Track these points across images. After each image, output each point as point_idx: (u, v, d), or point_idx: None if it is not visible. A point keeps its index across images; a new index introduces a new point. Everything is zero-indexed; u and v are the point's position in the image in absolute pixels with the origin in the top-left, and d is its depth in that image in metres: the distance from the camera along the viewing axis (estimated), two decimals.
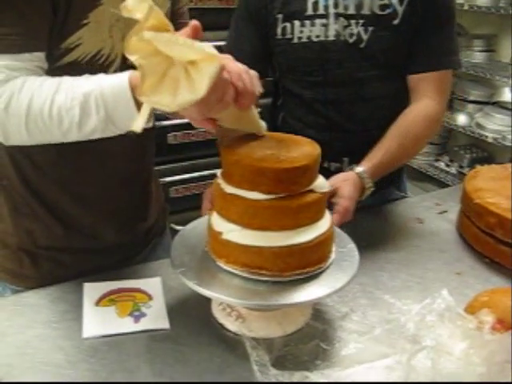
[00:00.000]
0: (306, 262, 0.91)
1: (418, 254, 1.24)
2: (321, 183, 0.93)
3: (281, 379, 0.83)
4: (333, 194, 1.14)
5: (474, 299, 0.96)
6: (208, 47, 0.72)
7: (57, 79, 0.89)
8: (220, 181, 0.92)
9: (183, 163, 2.55)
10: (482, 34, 3.74)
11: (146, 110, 0.79)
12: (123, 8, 0.75)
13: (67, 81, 0.88)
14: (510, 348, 0.77)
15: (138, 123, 0.79)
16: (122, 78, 0.85)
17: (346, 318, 1.00)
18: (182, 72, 0.73)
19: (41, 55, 0.95)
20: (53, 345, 0.93)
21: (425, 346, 0.87)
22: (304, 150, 0.91)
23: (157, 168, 2.39)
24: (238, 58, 1.40)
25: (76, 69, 0.97)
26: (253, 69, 1.43)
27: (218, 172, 0.94)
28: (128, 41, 0.73)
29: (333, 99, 1.37)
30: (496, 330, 0.85)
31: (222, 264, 0.92)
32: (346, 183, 1.17)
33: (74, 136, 0.90)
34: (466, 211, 1.31)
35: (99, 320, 0.99)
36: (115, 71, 1.04)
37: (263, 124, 0.94)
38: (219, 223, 0.92)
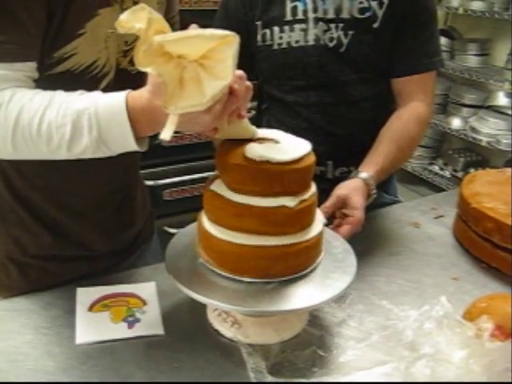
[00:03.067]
0: (312, 259, 0.93)
1: (414, 258, 1.23)
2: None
3: None
4: (342, 204, 1.14)
5: (473, 305, 0.94)
6: (216, 31, 0.71)
7: (49, 93, 0.85)
8: (230, 195, 0.89)
9: (176, 166, 2.53)
10: (477, 38, 3.75)
11: (174, 119, 0.76)
12: (118, 25, 0.73)
13: (60, 95, 0.85)
14: (511, 357, 0.76)
15: (167, 133, 0.75)
16: (118, 98, 0.82)
17: (343, 325, 0.98)
18: (198, 68, 0.72)
19: (33, 65, 0.91)
20: (44, 351, 0.91)
21: (423, 354, 0.86)
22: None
23: (149, 171, 2.40)
24: None
25: (68, 79, 0.95)
26: None
27: (216, 188, 0.91)
28: (137, 54, 0.71)
29: (315, 103, 1.37)
30: (495, 336, 0.84)
31: (225, 273, 0.90)
32: (356, 193, 1.16)
33: (62, 155, 0.86)
34: (462, 216, 1.30)
35: (92, 326, 0.97)
36: (108, 84, 1.02)
37: (254, 129, 0.93)
38: (221, 231, 0.90)
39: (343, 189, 1.17)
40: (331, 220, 1.15)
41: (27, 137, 0.83)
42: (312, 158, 0.91)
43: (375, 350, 0.90)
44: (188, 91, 0.73)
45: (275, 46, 1.34)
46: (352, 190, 1.17)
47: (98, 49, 0.99)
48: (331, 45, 1.32)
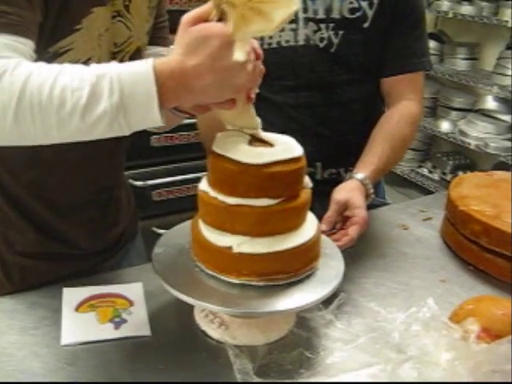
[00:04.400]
0: (311, 258, 0.93)
1: (402, 260, 1.23)
2: (306, 179, 0.94)
3: None
4: (344, 207, 1.13)
5: (459, 307, 0.95)
6: None
7: (58, 65, 0.77)
8: (215, 194, 0.88)
9: (166, 166, 2.52)
10: (466, 42, 3.77)
11: (243, 45, 0.78)
12: None
13: (73, 66, 0.77)
14: (497, 359, 0.77)
15: (239, 54, 0.76)
16: (144, 63, 0.75)
17: (331, 326, 0.98)
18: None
19: (33, 45, 0.84)
20: (29, 352, 0.90)
21: (410, 356, 0.86)
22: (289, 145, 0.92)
23: (138, 171, 2.40)
24: None
25: None
26: None
27: (204, 185, 0.91)
28: None
29: (305, 103, 1.37)
30: (481, 338, 0.84)
31: (233, 279, 0.89)
32: (355, 193, 1.15)
33: (72, 126, 0.74)
34: (450, 218, 1.31)
35: (79, 326, 0.96)
36: None
37: (259, 120, 0.92)
38: (223, 238, 0.88)
39: (341, 192, 1.16)
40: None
41: (35, 103, 0.73)
42: (298, 164, 0.90)
43: (362, 351, 0.90)
44: (254, 19, 0.75)
45: (265, 46, 1.34)
46: (351, 191, 1.16)
47: (92, 46, 0.98)
48: (322, 45, 1.32)
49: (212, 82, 0.75)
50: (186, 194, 2.53)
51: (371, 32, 1.32)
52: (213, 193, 0.89)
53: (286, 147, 0.90)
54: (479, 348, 0.80)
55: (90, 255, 1.19)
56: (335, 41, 1.31)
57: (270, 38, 1.33)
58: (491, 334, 0.85)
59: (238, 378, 0.84)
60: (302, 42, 1.33)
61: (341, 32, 1.31)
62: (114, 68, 0.75)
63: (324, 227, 1.09)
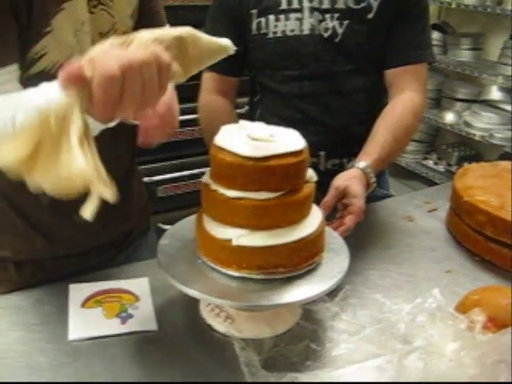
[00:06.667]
0: (313, 252, 0.92)
1: (407, 252, 1.23)
2: (310, 173, 0.94)
3: (271, 380, 0.81)
4: (342, 194, 1.13)
5: (465, 298, 0.95)
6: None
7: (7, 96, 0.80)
8: (215, 187, 0.89)
9: (171, 162, 2.52)
10: (470, 32, 3.75)
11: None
12: None
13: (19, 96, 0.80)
14: (502, 349, 0.76)
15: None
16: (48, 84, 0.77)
17: (336, 318, 0.98)
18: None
19: (13, 68, 0.88)
20: (36, 348, 0.91)
21: (416, 347, 0.86)
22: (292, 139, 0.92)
23: (144, 167, 2.39)
24: None
25: (45, 79, 0.93)
26: (228, 68, 1.43)
27: (206, 178, 0.91)
28: None
29: (309, 93, 1.37)
30: (487, 328, 0.84)
31: (233, 272, 0.89)
32: (354, 182, 1.15)
33: None
34: (455, 209, 1.30)
35: (85, 322, 0.97)
36: None
37: (226, 41, 0.81)
38: (223, 231, 0.89)
39: (341, 179, 1.16)
40: (334, 213, 1.14)
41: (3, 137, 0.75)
42: (298, 158, 0.89)
43: (368, 343, 0.90)
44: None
45: (270, 35, 1.34)
46: (350, 179, 1.16)
47: (70, 44, 0.96)
48: (326, 35, 1.32)
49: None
50: (191, 189, 2.53)
51: (376, 23, 1.32)
52: (214, 185, 0.89)
53: (287, 141, 0.89)
54: (485, 338, 0.79)
55: (98, 251, 1.18)
56: (340, 31, 1.31)
57: (275, 26, 1.33)
58: (497, 323, 0.85)
59: (245, 370, 0.84)
60: (306, 32, 1.33)
61: (345, 22, 1.31)
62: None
63: None
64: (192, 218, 0.99)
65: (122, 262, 1.20)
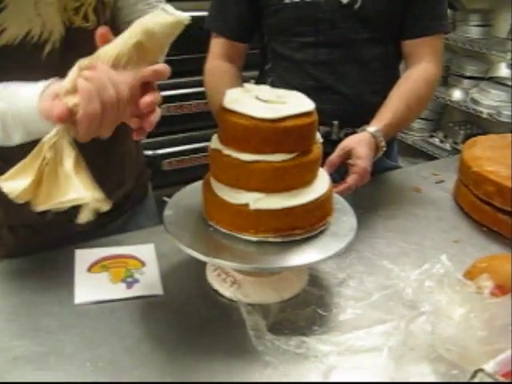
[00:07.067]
0: (326, 213, 0.93)
1: (415, 222, 1.23)
2: (317, 134, 0.94)
3: (277, 343, 0.81)
4: (348, 155, 1.15)
5: (473, 265, 0.94)
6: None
7: None
8: (228, 151, 0.88)
9: (176, 136, 2.51)
10: (479, 8, 3.70)
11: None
12: None
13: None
14: (511, 311, 0.76)
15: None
16: (33, 95, 0.79)
17: (343, 285, 0.98)
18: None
19: None
20: (43, 311, 0.91)
21: (423, 312, 0.86)
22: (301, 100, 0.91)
23: (148, 140, 2.38)
24: (223, 22, 1.35)
25: (9, 52, 0.93)
26: (238, 33, 1.42)
27: (215, 144, 0.90)
28: None
29: (324, 60, 1.36)
30: (495, 295, 0.84)
31: (250, 237, 0.88)
32: (361, 143, 1.17)
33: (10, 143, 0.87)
34: (463, 180, 1.29)
35: (91, 286, 0.97)
36: (53, 48, 0.97)
37: (178, 16, 0.74)
38: (238, 196, 0.88)
39: (349, 141, 1.18)
40: (341, 174, 1.15)
41: None
42: (311, 118, 0.89)
43: (375, 309, 0.90)
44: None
45: (287, 0, 1.32)
46: (357, 141, 1.18)
47: (29, 18, 0.94)
48: (345, 1, 1.30)
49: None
50: (196, 163, 2.53)
51: None
52: (226, 150, 0.88)
53: (297, 102, 0.89)
54: (493, 301, 0.79)
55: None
56: None
57: None
58: (505, 290, 0.85)
59: (251, 334, 0.84)
60: None
61: None
62: (12, 103, 0.82)
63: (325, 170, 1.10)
64: (193, 187, 0.99)
65: (120, 228, 1.19)
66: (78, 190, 0.74)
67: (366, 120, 1.29)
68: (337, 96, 1.38)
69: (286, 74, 1.41)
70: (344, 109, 1.38)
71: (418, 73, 1.35)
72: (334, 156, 1.14)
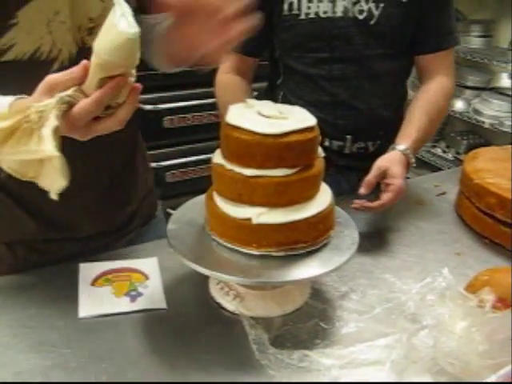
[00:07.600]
0: (328, 226, 0.93)
1: (417, 234, 1.23)
2: (319, 149, 0.95)
3: (280, 357, 0.82)
4: (384, 174, 1.17)
5: (475, 278, 0.94)
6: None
7: None
8: (231, 166, 0.88)
9: (179, 147, 2.52)
10: (480, 19, 3.71)
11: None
12: None
13: None
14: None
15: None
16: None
17: (346, 298, 0.98)
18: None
19: None
20: (48, 324, 0.92)
21: (425, 325, 0.86)
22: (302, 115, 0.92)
23: (152, 152, 2.39)
24: None
25: (17, 67, 0.93)
26: (249, 48, 1.42)
27: (218, 159, 0.91)
28: None
29: (338, 76, 1.37)
30: (497, 308, 0.84)
31: (253, 251, 0.89)
32: (394, 162, 1.20)
33: None
34: (465, 192, 1.30)
35: (95, 299, 0.97)
36: (61, 67, 0.96)
37: (121, 33, 0.72)
38: (241, 210, 0.89)
39: (384, 161, 1.21)
40: (376, 192, 1.17)
41: None
42: (313, 133, 0.90)
43: (378, 322, 0.91)
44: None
45: (302, 16, 1.33)
46: (391, 161, 1.21)
47: (40, 35, 0.94)
48: (361, 17, 1.32)
49: None
50: (199, 174, 2.54)
51: (409, 6, 1.32)
52: (229, 165, 0.89)
53: (299, 117, 0.90)
54: (495, 315, 0.79)
55: (94, 237, 1.15)
56: (376, 13, 1.31)
57: (308, 8, 1.32)
58: (507, 303, 0.85)
59: (254, 348, 0.85)
60: (339, 14, 1.32)
61: (381, 5, 1.31)
62: None
63: (363, 190, 1.15)
64: (195, 201, 1.00)
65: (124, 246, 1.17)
66: (47, 146, 0.73)
67: (378, 134, 1.33)
68: (351, 111, 1.40)
69: (298, 88, 1.42)
70: (357, 123, 1.40)
71: (435, 86, 1.38)
72: (371, 176, 1.17)
